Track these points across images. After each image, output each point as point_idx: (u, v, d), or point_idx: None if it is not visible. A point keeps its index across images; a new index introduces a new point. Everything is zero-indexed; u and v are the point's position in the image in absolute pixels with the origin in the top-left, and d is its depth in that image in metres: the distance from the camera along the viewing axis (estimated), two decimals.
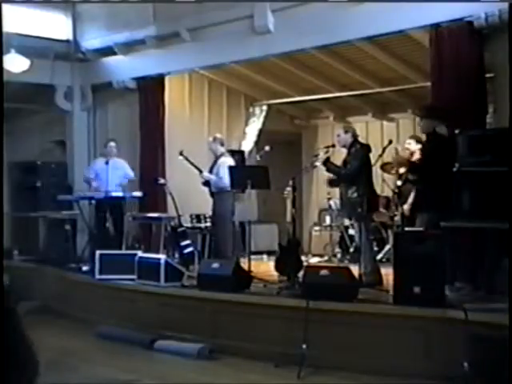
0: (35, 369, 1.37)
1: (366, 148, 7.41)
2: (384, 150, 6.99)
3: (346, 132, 7.48)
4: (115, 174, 9.27)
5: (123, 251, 8.67)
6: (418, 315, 5.61)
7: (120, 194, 9.15)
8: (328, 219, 10.63)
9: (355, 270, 6.71)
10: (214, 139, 8.75)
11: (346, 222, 9.81)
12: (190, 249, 8.54)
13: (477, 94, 6.71)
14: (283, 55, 9.12)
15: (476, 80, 6.73)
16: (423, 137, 7.31)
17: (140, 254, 8.02)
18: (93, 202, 9.23)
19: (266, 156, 8.29)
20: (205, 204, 9.05)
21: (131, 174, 9.59)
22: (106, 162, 9.11)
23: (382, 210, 9.37)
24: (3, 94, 4.96)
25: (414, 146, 7.91)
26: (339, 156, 8.90)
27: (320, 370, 5.76)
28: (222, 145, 8.79)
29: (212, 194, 8.62)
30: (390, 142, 7.13)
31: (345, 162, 7.44)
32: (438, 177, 6.50)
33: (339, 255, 9.88)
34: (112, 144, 9.52)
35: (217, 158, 8.66)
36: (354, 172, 7.15)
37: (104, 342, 7.16)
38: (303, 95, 11.23)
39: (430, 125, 6.77)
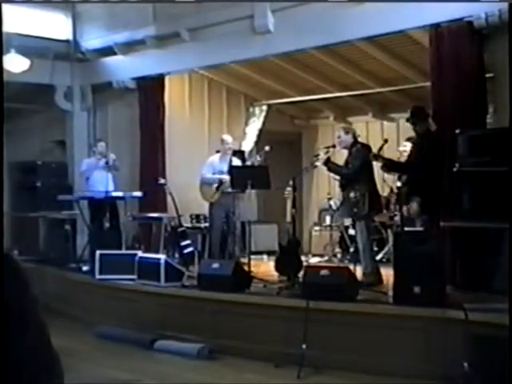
0: (61, 374, 1.37)
1: (367, 148, 7.41)
2: (380, 149, 7.00)
3: (346, 133, 7.48)
4: (106, 176, 9.30)
5: (123, 251, 8.66)
6: (418, 315, 5.61)
7: (120, 193, 9.15)
8: (328, 219, 10.61)
9: (356, 270, 6.71)
10: (234, 139, 8.95)
11: (346, 221, 9.81)
12: (190, 249, 8.54)
13: (477, 94, 6.72)
14: (283, 55, 9.12)
15: (476, 80, 6.73)
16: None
17: (140, 254, 8.02)
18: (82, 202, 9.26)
19: (266, 156, 8.30)
20: (205, 204, 9.04)
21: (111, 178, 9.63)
22: (106, 163, 9.11)
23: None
24: (3, 93, 4.96)
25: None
26: (340, 156, 8.89)
27: (320, 370, 5.76)
28: None
29: (222, 194, 8.65)
30: (386, 141, 7.17)
31: (346, 162, 7.44)
32: (436, 176, 6.54)
33: (339, 255, 9.87)
34: (102, 143, 9.53)
35: (231, 158, 8.80)
36: (355, 172, 7.15)
37: (104, 341, 7.16)
38: (303, 95, 11.22)
39: (425, 126, 6.80)
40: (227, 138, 8.94)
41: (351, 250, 9.30)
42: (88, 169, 9.43)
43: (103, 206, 8.97)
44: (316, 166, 8.35)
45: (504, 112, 6.18)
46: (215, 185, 8.66)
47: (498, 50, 6.50)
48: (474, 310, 5.35)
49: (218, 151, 9.09)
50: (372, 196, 7.17)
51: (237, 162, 8.94)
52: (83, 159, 9.88)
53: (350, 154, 7.40)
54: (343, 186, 7.45)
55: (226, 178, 8.50)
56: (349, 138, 7.40)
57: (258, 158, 8.59)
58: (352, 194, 7.09)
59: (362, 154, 7.25)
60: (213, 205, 8.77)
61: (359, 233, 7.21)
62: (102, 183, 9.13)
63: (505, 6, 6.21)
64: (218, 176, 8.68)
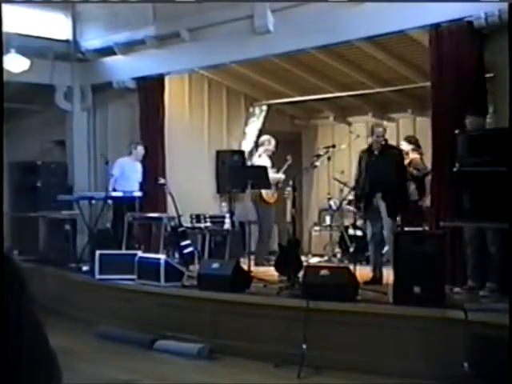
0: (59, 374, 1.36)
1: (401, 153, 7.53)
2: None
3: (385, 131, 7.42)
4: (137, 176, 9.44)
5: (123, 251, 8.66)
6: (418, 315, 5.61)
7: (120, 193, 9.14)
8: (328, 219, 10.60)
9: (361, 269, 6.74)
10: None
11: (346, 221, 9.81)
12: (190, 249, 8.54)
13: (477, 94, 6.71)
14: (283, 55, 9.11)
15: (476, 80, 6.73)
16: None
17: (140, 254, 8.02)
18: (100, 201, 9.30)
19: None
20: (205, 204, 9.05)
21: (140, 177, 9.65)
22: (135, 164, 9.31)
23: None
24: (3, 93, 4.96)
25: (407, 147, 8.18)
26: (340, 156, 8.94)
27: (320, 370, 5.77)
28: None
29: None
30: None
31: (371, 155, 7.30)
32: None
33: (339, 255, 9.86)
34: (141, 147, 9.49)
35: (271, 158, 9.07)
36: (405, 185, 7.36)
37: (104, 341, 7.16)
38: (303, 95, 11.21)
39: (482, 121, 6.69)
40: (272, 139, 9.25)
41: (351, 249, 9.31)
42: (122, 171, 9.36)
43: (129, 205, 9.08)
44: (316, 166, 8.35)
45: (504, 112, 6.17)
46: (273, 185, 8.85)
47: (498, 50, 6.50)
48: (474, 310, 5.35)
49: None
50: None
51: (267, 162, 9.03)
52: (117, 160, 9.52)
53: (382, 154, 7.27)
54: (374, 190, 7.29)
55: (282, 176, 8.91)
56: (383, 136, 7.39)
57: (258, 158, 8.62)
58: (391, 198, 7.14)
59: (403, 166, 7.40)
60: (269, 204, 8.82)
61: (387, 228, 7.18)
62: (136, 181, 9.36)
63: (505, 5, 6.21)
64: (277, 175, 8.94)
